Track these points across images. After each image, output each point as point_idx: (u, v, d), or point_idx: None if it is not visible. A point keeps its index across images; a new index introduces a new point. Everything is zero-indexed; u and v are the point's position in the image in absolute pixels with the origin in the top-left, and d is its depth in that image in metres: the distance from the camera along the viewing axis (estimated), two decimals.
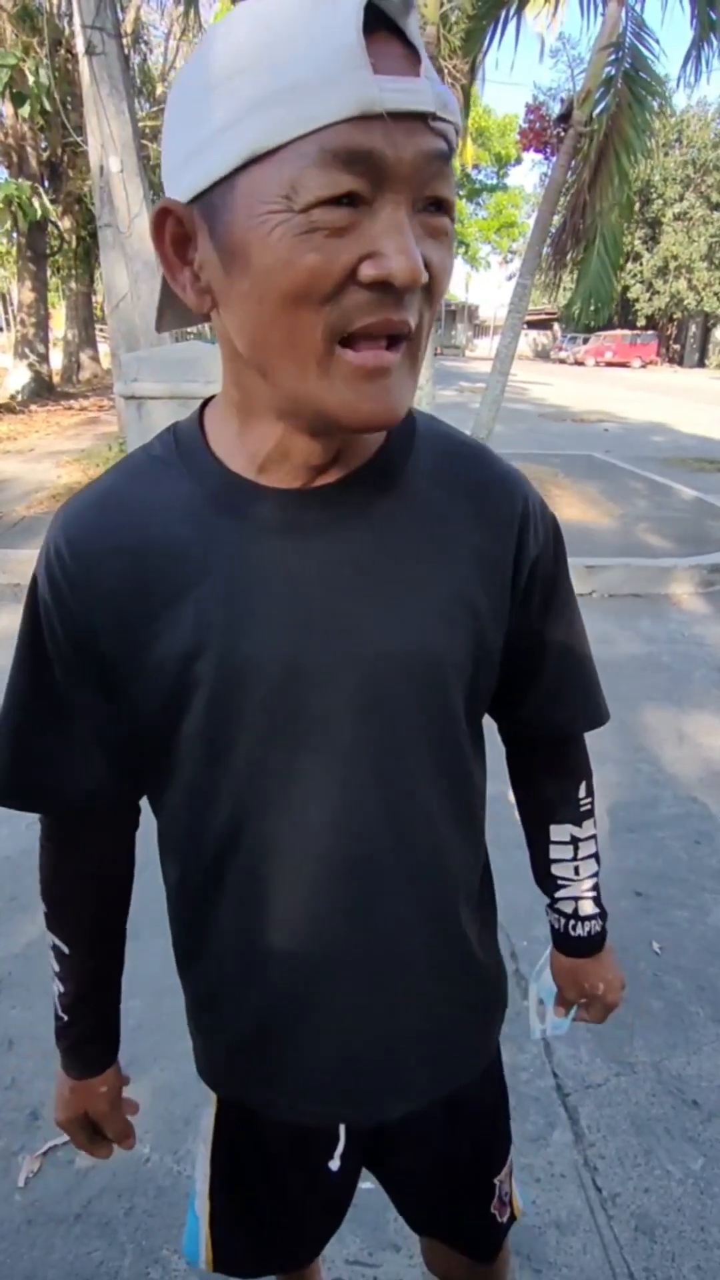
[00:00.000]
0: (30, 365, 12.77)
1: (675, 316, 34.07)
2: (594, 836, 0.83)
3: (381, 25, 0.44)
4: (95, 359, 16.53)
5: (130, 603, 0.59)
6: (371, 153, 0.44)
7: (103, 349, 16.21)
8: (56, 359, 15.27)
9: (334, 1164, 0.77)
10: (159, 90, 11.56)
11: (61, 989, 0.77)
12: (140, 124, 7.77)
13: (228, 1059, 0.75)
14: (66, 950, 0.76)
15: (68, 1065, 0.80)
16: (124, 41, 7.31)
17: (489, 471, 0.66)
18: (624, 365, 32.02)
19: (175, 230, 0.51)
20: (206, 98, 0.46)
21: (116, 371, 6.26)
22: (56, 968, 0.77)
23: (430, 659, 0.61)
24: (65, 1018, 0.78)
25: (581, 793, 0.82)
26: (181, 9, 7.96)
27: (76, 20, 6.23)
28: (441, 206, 0.49)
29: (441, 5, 5.74)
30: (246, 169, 0.45)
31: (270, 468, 0.58)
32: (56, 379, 14.47)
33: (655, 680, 3.60)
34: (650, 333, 33.98)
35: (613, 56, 5.43)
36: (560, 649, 0.72)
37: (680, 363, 35.29)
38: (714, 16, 5.37)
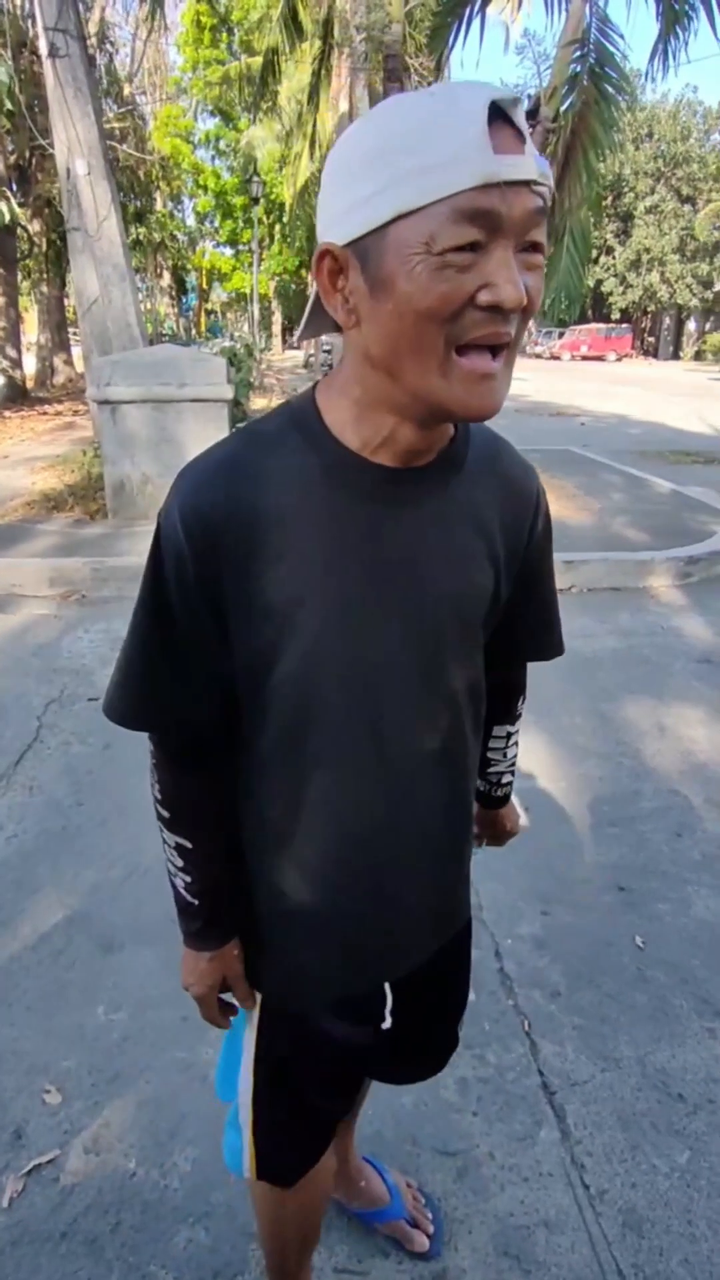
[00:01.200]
0: (3, 371, 12.64)
1: (649, 309, 34.32)
2: (519, 729, 1.13)
3: (499, 114, 0.60)
4: (69, 363, 16.39)
5: (247, 558, 0.73)
6: (490, 211, 0.60)
7: (76, 353, 16.08)
8: (30, 364, 15.12)
9: (386, 1023, 0.95)
10: (125, 91, 11.47)
11: (188, 879, 0.91)
12: (108, 126, 7.71)
13: (303, 945, 0.90)
14: (190, 845, 0.90)
15: (203, 940, 0.93)
16: (89, 43, 7.24)
17: (516, 463, 0.87)
18: (599, 359, 32.19)
19: (331, 266, 0.67)
20: (362, 169, 0.63)
21: (89, 375, 6.21)
22: (180, 863, 0.90)
23: (471, 598, 0.82)
24: (196, 901, 0.91)
25: (519, 703, 1.11)
26: (148, 9, 7.90)
27: (39, 21, 6.16)
28: (537, 248, 0.64)
29: (407, 2, 5.74)
30: (395, 223, 0.61)
31: (379, 450, 0.74)
32: (30, 384, 14.33)
33: (635, 673, 3.62)
34: (625, 326, 34.20)
35: (578, 53, 5.45)
36: (540, 601, 0.96)
37: (655, 355, 35.52)
38: (675, 7, 5.40)
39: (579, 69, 5.46)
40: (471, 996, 1.15)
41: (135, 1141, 1.53)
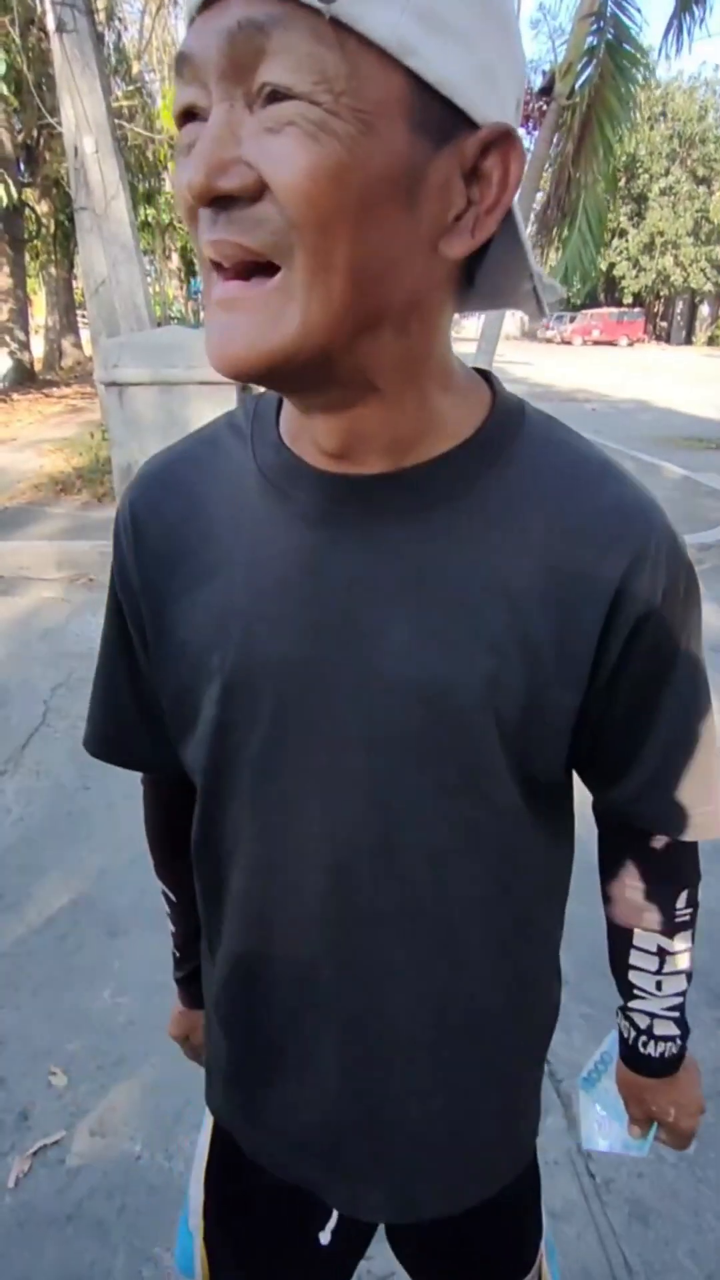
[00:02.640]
0: (11, 353, 12.59)
1: (662, 294, 33.93)
2: (688, 951, 0.70)
3: None
4: (78, 345, 16.30)
5: (165, 579, 0.58)
6: (186, 56, 0.41)
7: (85, 336, 16.00)
8: (38, 346, 15.06)
9: (324, 1237, 0.70)
10: (134, 69, 11.34)
11: (173, 929, 0.83)
12: (116, 104, 7.62)
13: (219, 1080, 0.73)
14: (173, 897, 0.80)
15: (181, 995, 0.86)
16: (97, 19, 7.15)
17: (604, 497, 0.53)
18: (611, 343, 31.87)
19: None
20: None
21: (97, 357, 6.17)
22: (168, 909, 0.82)
23: (458, 697, 0.52)
24: (178, 954, 0.84)
25: (680, 903, 0.69)
26: None
27: None
28: (278, 95, 0.39)
29: None
30: None
31: (302, 445, 0.53)
32: (38, 366, 14.27)
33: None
34: (637, 310, 33.84)
35: (594, 27, 5.35)
36: (667, 731, 0.58)
37: (667, 340, 35.16)
38: None
39: (595, 42, 5.35)
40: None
41: (140, 1125, 1.53)
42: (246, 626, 0.54)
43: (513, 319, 34.09)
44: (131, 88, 10.91)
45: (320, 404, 0.49)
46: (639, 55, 5.54)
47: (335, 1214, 0.70)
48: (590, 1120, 0.82)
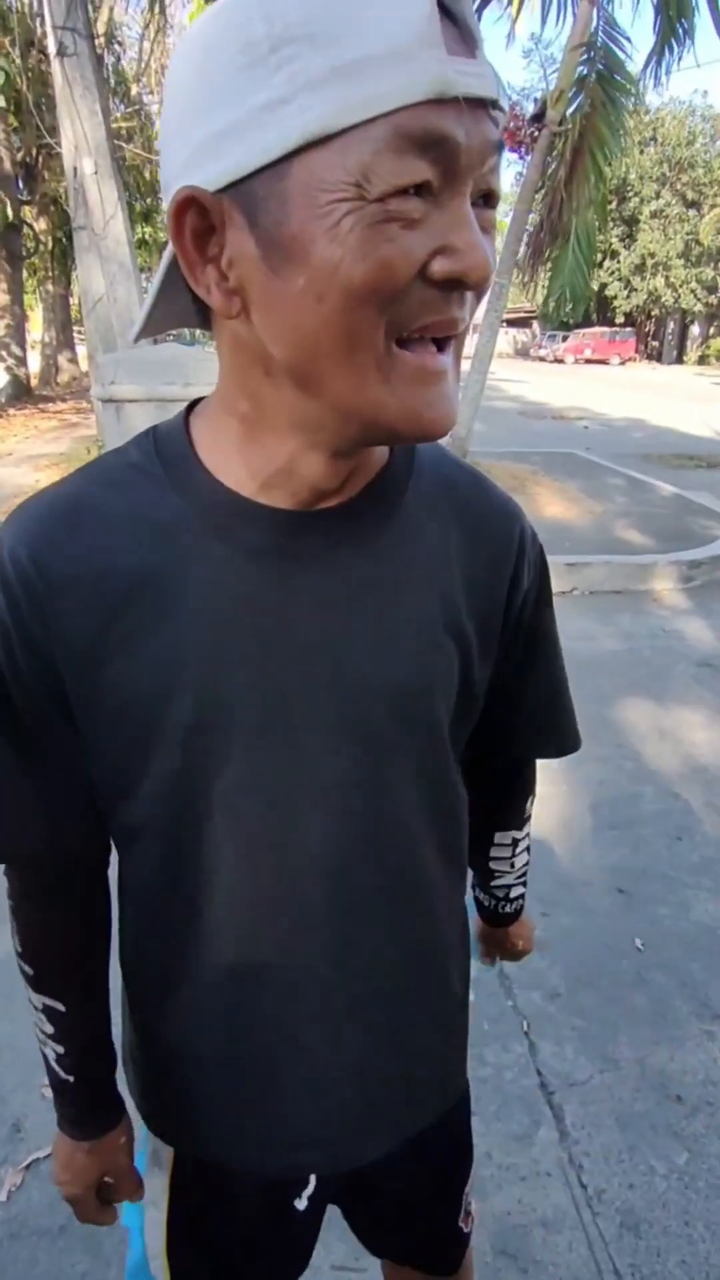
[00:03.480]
0: (7, 368, 12.66)
1: (653, 314, 34.34)
2: (529, 833, 0.90)
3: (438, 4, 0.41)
4: (73, 361, 16.40)
5: (95, 638, 0.53)
6: (447, 139, 0.41)
7: (81, 351, 16.09)
8: (34, 362, 15.14)
9: (300, 1204, 0.74)
10: (133, 91, 11.49)
11: (60, 1050, 0.71)
12: (115, 125, 7.72)
13: (198, 1109, 0.69)
14: (62, 1007, 0.70)
15: (82, 1127, 0.73)
16: (97, 42, 7.26)
17: (487, 501, 0.64)
18: (603, 362, 32.20)
19: (197, 223, 0.45)
20: (244, 69, 0.41)
21: (93, 374, 6.22)
22: (50, 1030, 0.70)
23: (420, 692, 0.59)
24: (71, 1078, 0.72)
25: (528, 805, 0.88)
26: (151, 7, 7.93)
27: (48, 20, 6.18)
28: (491, 200, 0.46)
29: None
30: (303, 153, 0.40)
31: (273, 486, 0.53)
32: (34, 382, 14.35)
33: (636, 676, 3.62)
34: (629, 330, 34.23)
35: (585, 56, 5.46)
36: (544, 680, 0.73)
37: (659, 359, 35.54)
38: (681, 27, 5.43)
39: (586, 71, 5.47)
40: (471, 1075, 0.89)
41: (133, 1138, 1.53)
42: (205, 671, 0.54)
43: (505, 337, 34.41)
44: (130, 109, 11.05)
45: (360, 449, 0.54)
46: (629, 84, 5.66)
47: (311, 1183, 0.73)
48: None
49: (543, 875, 2.29)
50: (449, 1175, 0.84)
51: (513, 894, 0.92)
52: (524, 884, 0.93)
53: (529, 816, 0.89)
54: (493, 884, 0.91)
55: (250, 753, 0.56)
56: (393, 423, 0.47)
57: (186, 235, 0.45)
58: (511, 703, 0.72)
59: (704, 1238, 1.38)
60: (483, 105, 0.42)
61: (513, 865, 0.90)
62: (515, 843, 0.88)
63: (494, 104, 0.43)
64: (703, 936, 2.08)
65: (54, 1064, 0.72)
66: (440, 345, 0.47)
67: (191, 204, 0.44)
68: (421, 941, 0.67)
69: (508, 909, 0.93)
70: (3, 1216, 1.40)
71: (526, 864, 0.91)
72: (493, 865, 0.89)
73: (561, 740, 0.77)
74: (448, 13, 0.41)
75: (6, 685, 0.56)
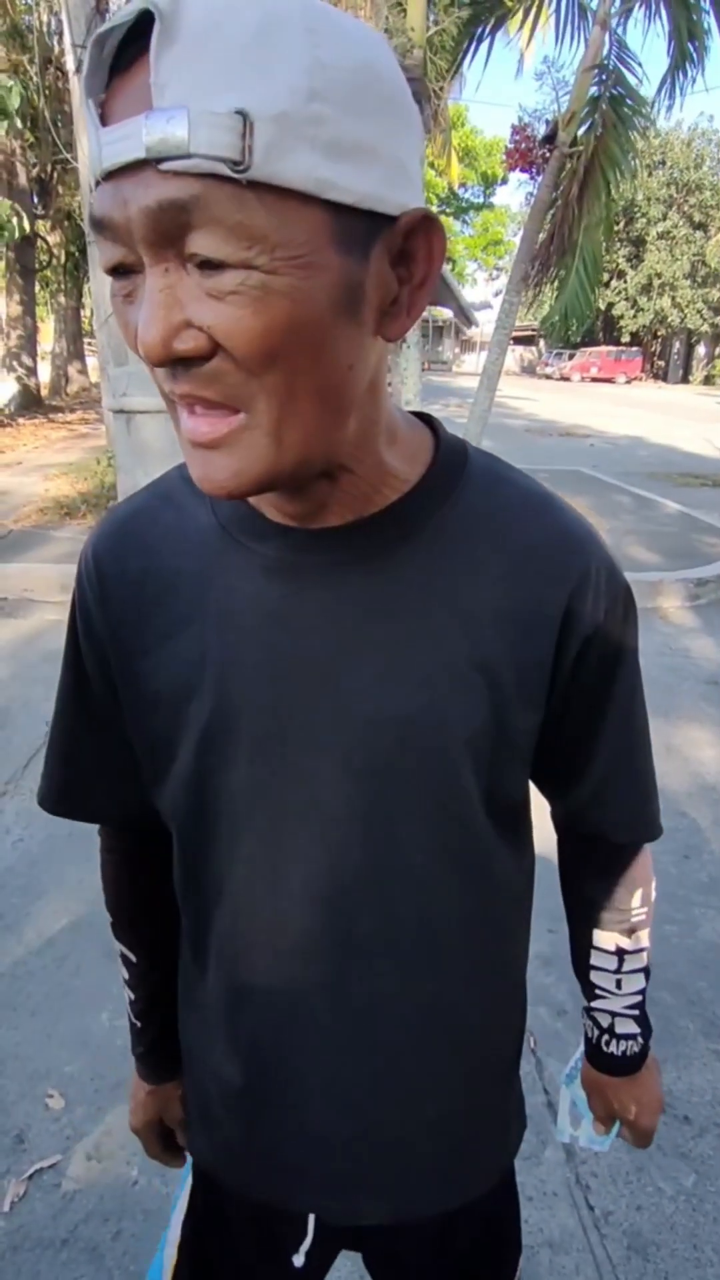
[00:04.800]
0: (18, 379, 12.76)
1: (659, 333, 34.50)
2: (645, 950, 0.73)
3: (131, 43, 0.38)
4: (83, 372, 16.53)
5: (133, 631, 0.59)
6: (103, 220, 0.40)
7: (91, 363, 16.22)
8: (45, 372, 15.25)
9: (298, 1259, 0.71)
10: None
11: (132, 996, 0.78)
12: None
13: (208, 1113, 0.71)
14: (133, 958, 0.76)
15: (144, 1071, 0.80)
16: None
17: (547, 527, 0.57)
18: (609, 381, 32.35)
19: None
20: None
21: (105, 385, 6.26)
22: (126, 975, 0.78)
23: (430, 727, 0.55)
24: (139, 1024, 0.78)
25: (635, 903, 0.72)
26: None
27: (67, 38, 6.27)
28: (213, 265, 0.39)
29: (429, 29, 5.83)
30: None
31: (274, 504, 0.55)
32: (45, 392, 14.46)
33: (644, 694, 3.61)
34: (635, 349, 34.37)
35: (597, 78, 5.52)
36: (610, 752, 0.64)
37: (664, 379, 35.68)
38: (692, 49, 5.50)
39: (598, 93, 5.53)
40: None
41: (137, 1149, 1.51)
42: (221, 674, 0.56)
43: (511, 355, 34.55)
44: None
45: (292, 489, 0.52)
46: (640, 106, 5.73)
47: (310, 1235, 0.71)
48: (564, 1112, 0.86)
49: (550, 891, 2.27)
50: (485, 1265, 0.76)
51: (619, 1028, 0.74)
52: (638, 1021, 0.74)
53: (639, 922, 0.72)
54: (593, 1006, 0.75)
55: (252, 764, 0.57)
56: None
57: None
58: (575, 769, 0.65)
59: (712, 1261, 1.36)
60: (141, 166, 0.37)
61: (619, 985, 0.73)
62: (621, 954, 0.72)
63: (161, 158, 0.37)
64: (710, 955, 2.07)
65: (128, 1006, 0.79)
66: (228, 412, 0.44)
67: None
68: (438, 1004, 0.63)
69: (612, 1048, 0.74)
70: (5, 1228, 1.39)
71: (641, 994, 0.73)
72: (594, 978, 0.74)
73: (632, 822, 0.67)
74: (118, 63, 0.39)
75: (84, 659, 0.64)
